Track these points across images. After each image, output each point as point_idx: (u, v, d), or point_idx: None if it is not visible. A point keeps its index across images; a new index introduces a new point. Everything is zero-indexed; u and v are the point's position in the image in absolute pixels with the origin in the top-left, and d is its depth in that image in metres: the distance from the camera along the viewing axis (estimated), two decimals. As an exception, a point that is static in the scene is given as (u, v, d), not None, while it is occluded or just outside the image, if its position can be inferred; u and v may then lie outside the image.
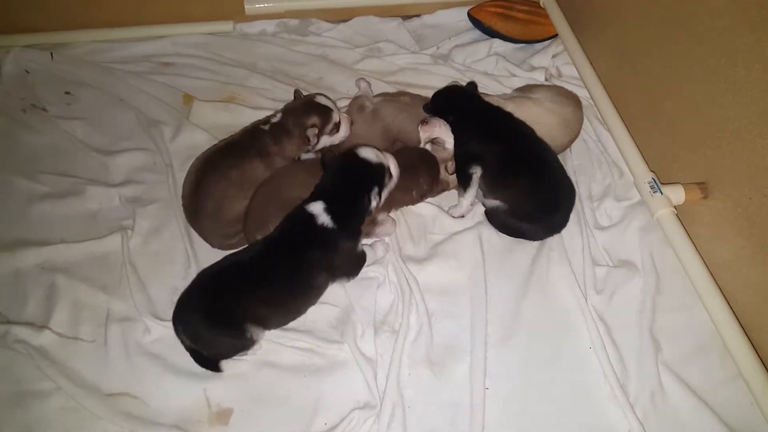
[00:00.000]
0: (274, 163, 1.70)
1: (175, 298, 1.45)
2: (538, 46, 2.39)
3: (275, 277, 1.43)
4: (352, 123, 1.83)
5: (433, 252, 1.72)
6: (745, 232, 1.49)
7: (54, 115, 2.08)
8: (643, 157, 1.80)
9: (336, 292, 1.59)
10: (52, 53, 2.26)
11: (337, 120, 1.77)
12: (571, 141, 1.94)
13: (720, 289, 1.53)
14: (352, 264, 1.58)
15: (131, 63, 2.28)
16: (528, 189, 1.68)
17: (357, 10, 2.50)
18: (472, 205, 1.78)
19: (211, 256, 1.64)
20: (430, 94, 1.85)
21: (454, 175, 1.76)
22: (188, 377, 1.46)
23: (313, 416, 1.42)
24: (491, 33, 2.38)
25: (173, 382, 1.46)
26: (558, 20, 2.28)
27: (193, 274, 1.51)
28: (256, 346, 1.47)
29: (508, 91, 2.08)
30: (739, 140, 1.47)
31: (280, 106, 1.83)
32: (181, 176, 1.77)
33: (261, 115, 1.88)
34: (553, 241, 1.73)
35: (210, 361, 1.46)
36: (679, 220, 1.65)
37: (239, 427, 1.40)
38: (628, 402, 1.42)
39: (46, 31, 2.33)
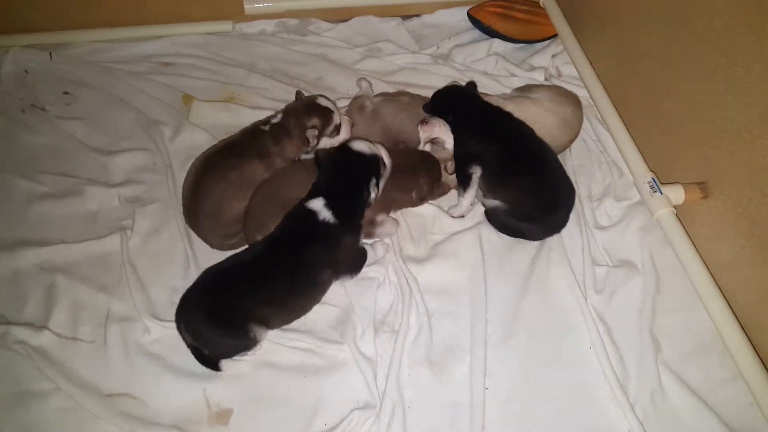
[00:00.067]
0: (273, 163, 1.69)
1: (175, 298, 1.45)
2: (537, 45, 2.39)
3: (279, 276, 1.43)
4: (352, 125, 1.83)
5: (433, 252, 1.72)
6: (745, 232, 1.49)
7: (53, 115, 2.08)
8: (643, 157, 1.80)
9: (336, 292, 1.59)
10: (51, 53, 2.26)
11: (338, 122, 1.76)
12: (571, 141, 1.94)
13: (720, 289, 1.53)
14: (355, 259, 1.58)
15: (131, 63, 2.28)
16: (528, 189, 1.68)
17: (356, 9, 2.50)
18: (471, 205, 1.78)
19: (210, 256, 1.64)
20: (429, 93, 1.85)
21: (454, 175, 1.76)
22: (188, 377, 1.46)
23: (312, 416, 1.41)
24: (491, 33, 2.38)
25: (173, 382, 1.46)
26: (557, 20, 2.28)
27: (192, 274, 1.51)
28: (257, 347, 1.46)
29: (508, 91, 2.08)
30: (739, 140, 1.47)
31: (280, 106, 1.83)
32: (180, 176, 1.77)
33: (260, 115, 1.88)
34: (552, 241, 1.73)
35: (210, 360, 1.46)
36: (679, 220, 1.65)
37: (239, 427, 1.40)
38: (628, 402, 1.42)
39: (45, 31, 2.33)
